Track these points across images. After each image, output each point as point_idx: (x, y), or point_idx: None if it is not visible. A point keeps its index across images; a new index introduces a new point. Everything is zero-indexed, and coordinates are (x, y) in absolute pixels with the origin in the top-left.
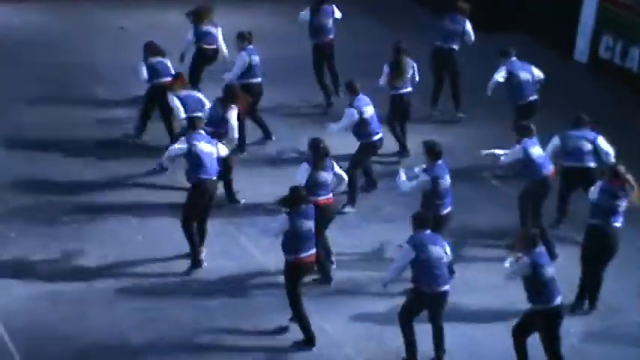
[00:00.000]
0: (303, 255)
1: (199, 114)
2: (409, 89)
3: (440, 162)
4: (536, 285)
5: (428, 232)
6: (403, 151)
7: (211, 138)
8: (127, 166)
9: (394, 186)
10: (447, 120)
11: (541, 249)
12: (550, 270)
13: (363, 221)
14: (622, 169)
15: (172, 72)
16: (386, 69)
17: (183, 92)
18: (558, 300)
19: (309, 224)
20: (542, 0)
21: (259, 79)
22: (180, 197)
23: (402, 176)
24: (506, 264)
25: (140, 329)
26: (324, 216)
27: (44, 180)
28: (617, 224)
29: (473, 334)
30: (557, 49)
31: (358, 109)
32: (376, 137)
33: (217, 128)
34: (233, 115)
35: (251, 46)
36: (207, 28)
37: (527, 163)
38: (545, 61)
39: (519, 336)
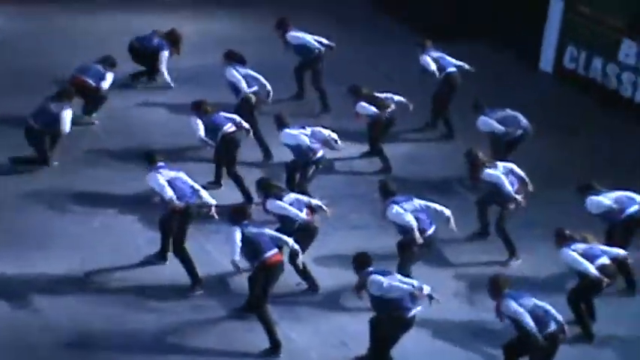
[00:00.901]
0: (267, 256)
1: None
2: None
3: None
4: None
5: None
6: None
7: None
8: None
9: (360, 194)
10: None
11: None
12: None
13: (329, 229)
14: None
15: None
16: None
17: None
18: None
19: (257, 229)
20: (507, 10)
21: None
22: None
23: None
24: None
25: (103, 327)
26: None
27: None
28: None
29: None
30: (523, 59)
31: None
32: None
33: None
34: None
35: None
36: None
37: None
38: (510, 71)
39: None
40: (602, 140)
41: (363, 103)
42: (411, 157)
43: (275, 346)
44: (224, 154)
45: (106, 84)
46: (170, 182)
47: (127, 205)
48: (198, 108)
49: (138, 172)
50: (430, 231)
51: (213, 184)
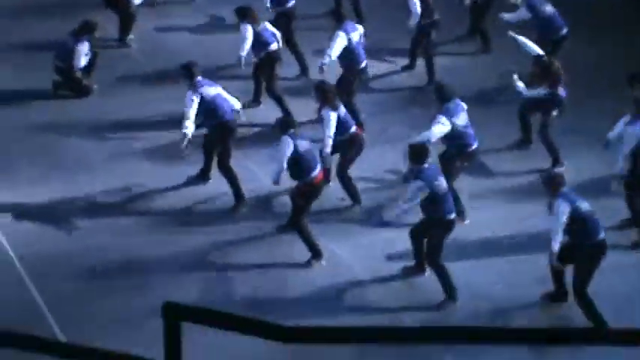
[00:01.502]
0: (313, 175)
1: None
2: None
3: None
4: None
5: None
6: None
7: None
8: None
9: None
10: None
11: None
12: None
13: (368, 143)
14: None
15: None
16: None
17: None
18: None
19: (307, 143)
20: None
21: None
22: None
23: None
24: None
25: (150, 251)
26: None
27: (50, 110)
28: None
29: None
30: None
31: None
32: None
33: None
34: None
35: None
36: None
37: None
38: None
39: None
40: None
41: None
42: (450, 69)
43: (316, 254)
44: (266, 71)
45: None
46: (211, 99)
47: (168, 125)
48: (248, 15)
49: (178, 92)
50: (474, 146)
51: (253, 102)
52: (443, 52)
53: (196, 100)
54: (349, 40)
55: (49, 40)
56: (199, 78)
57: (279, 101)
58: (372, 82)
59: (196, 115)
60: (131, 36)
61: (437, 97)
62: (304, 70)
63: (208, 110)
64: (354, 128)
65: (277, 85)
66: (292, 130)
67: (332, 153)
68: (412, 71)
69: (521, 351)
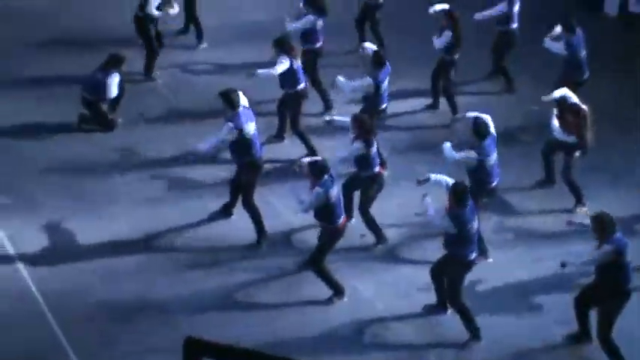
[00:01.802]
0: (340, 222)
1: None
2: None
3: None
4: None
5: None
6: None
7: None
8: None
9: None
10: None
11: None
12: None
13: (394, 180)
14: None
15: None
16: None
17: None
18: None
19: (337, 190)
20: None
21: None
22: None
23: (448, 144)
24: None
25: (171, 288)
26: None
27: (73, 143)
28: None
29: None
30: (586, 2)
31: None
32: None
33: None
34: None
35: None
36: None
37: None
38: (573, 14)
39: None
40: None
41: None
42: (474, 107)
43: (338, 291)
44: (291, 107)
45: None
46: (250, 135)
47: (193, 162)
48: (288, 48)
49: (202, 127)
50: (495, 182)
51: (275, 138)
52: (468, 91)
53: (235, 133)
54: (379, 86)
55: (73, 74)
56: (242, 108)
57: (302, 138)
58: (395, 120)
59: (230, 148)
60: (157, 72)
61: (475, 132)
62: (328, 107)
63: (244, 146)
64: (377, 167)
65: (301, 121)
66: (326, 177)
67: (353, 189)
68: (436, 110)
69: None
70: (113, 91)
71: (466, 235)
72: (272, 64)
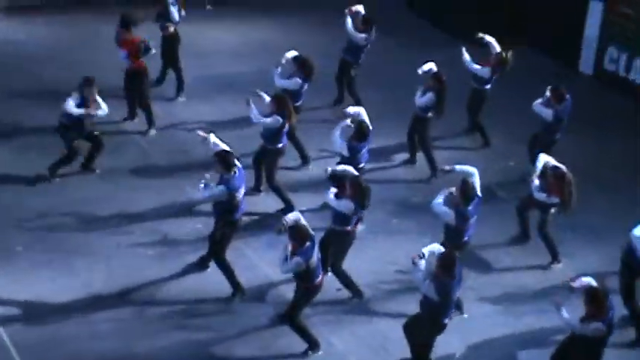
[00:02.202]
0: (317, 281)
1: None
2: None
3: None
4: None
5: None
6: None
7: None
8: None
9: (400, 199)
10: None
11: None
12: None
13: (370, 234)
14: None
15: None
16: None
17: None
18: None
19: (316, 254)
20: (546, 12)
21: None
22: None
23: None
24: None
25: (146, 342)
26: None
27: (49, 193)
28: None
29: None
30: (563, 61)
31: None
32: None
33: None
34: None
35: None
36: None
37: None
38: (550, 73)
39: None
40: None
41: None
42: (451, 162)
43: (313, 345)
44: (268, 162)
45: None
46: (240, 198)
47: (170, 214)
48: (284, 106)
49: (179, 181)
50: (466, 238)
51: (252, 190)
52: (447, 146)
53: (225, 194)
54: (357, 154)
55: (51, 124)
56: (237, 171)
57: (278, 192)
58: (373, 174)
59: (214, 204)
60: (152, 131)
61: (461, 194)
62: (305, 161)
63: (230, 207)
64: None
65: (277, 176)
66: (308, 244)
67: (330, 245)
68: (413, 165)
69: None
70: (70, 108)
71: (447, 304)
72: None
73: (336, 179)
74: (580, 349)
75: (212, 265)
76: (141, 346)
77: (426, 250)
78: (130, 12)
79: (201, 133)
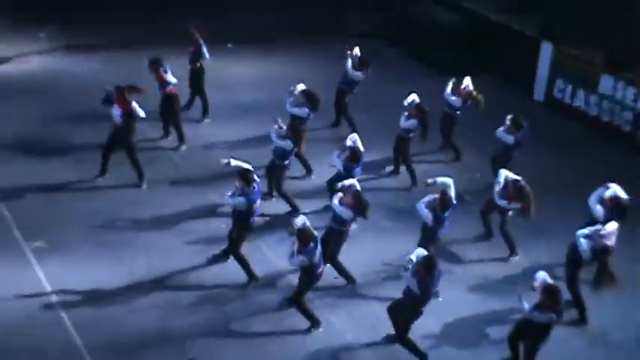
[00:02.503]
0: (318, 272)
1: None
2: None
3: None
4: None
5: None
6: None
7: None
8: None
9: (388, 204)
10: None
11: None
12: None
13: (363, 232)
14: None
15: None
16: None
17: None
18: None
19: (319, 252)
20: (508, 52)
21: None
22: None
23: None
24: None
25: (178, 319)
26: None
27: (97, 198)
28: None
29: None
30: (520, 91)
31: None
32: None
33: None
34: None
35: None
36: None
37: None
38: (510, 100)
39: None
40: (588, 158)
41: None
42: (428, 174)
43: (315, 323)
44: (276, 174)
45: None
46: (256, 208)
47: (197, 215)
48: (296, 133)
49: (204, 189)
50: (440, 235)
51: (265, 196)
52: (425, 160)
53: (245, 205)
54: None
55: (95, 141)
56: (256, 185)
57: (286, 198)
58: (364, 183)
59: (234, 210)
60: (183, 147)
61: (441, 203)
62: (309, 172)
63: (246, 215)
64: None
65: (285, 184)
66: (312, 245)
67: (329, 241)
68: (397, 175)
69: None
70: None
71: (426, 297)
72: (268, 137)
73: (343, 191)
74: (533, 329)
75: (231, 257)
76: (175, 322)
77: (413, 257)
78: (155, 57)
79: (223, 160)
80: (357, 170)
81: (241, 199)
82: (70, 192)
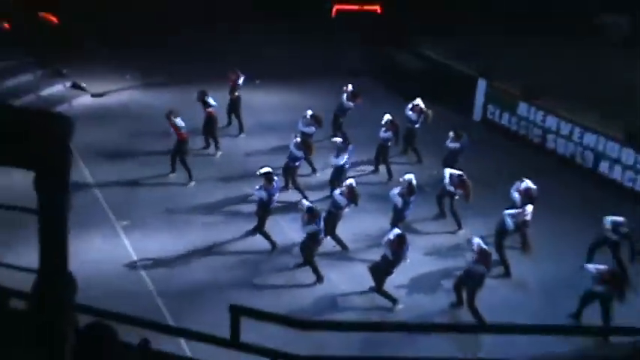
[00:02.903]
0: (320, 238)
1: None
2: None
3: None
4: None
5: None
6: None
7: None
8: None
9: (371, 193)
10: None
11: None
12: None
13: (353, 212)
14: None
15: None
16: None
17: None
18: None
19: (322, 226)
20: (454, 83)
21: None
22: None
23: (395, 190)
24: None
25: (223, 273)
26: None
27: (158, 191)
28: None
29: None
30: (463, 113)
31: None
32: None
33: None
34: None
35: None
36: None
37: None
38: (456, 119)
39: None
40: (511, 161)
41: None
42: (398, 172)
43: (319, 278)
44: (290, 173)
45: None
46: (273, 201)
47: (233, 202)
48: (308, 146)
49: (240, 183)
50: (407, 215)
51: (283, 188)
52: (397, 162)
53: (267, 196)
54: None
55: (161, 150)
56: (275, 183)
57: (298, 189)
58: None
59: (258, 199)
60: (219, 153)
61: (408, 190)
62: (314, 171)
63: (267, 203)
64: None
65: (297, 179)
66: (318, 219)
67: (329, 219)
68: (377, 173)
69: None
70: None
71: (397, 262)
72: (285, 147)
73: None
74: (471, 279)
75: (258, 232)
76: (220, 277)
77: (391, 235)
78: (202, 89)
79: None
80: (411, 200)
81: (264, 193)
82: (146, 185)
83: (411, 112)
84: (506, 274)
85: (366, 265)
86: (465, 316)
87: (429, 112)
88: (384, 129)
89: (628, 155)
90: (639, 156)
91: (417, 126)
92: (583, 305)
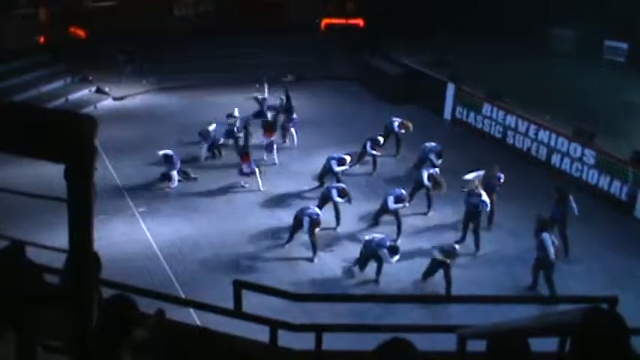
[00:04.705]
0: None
1: None
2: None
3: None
4: None
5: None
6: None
7: None
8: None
9: (361, 184)
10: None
11: None
12: None
13: (346, 203)
14: None
15: None
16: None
17: None
18: None
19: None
20: (428, 88)
21: None
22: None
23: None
24: None
25: (231, 253)
26: None
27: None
28: None
29: None
30: (435, 113)
31: None
32: None
33: None
34: None
35: None
36: None
37: None
38: (427, 119)
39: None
40: (478, 155)
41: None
42: (383, 162)
43: (315, 253)
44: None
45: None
46: None
47: (225, 193)
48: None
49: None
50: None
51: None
52: (380, 156)
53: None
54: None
55: (175, 147)
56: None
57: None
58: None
59: None
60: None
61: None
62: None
63: None
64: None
65: None
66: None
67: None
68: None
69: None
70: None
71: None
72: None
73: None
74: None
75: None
76: (225, 256)
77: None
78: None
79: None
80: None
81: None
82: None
83: (398, 129)
84: (477, 249)
85: (358, 243)
86: (432, 289)
87: (410, 125)
88: (397, 125)
89: (575, 149)
90: (585, 150)
91: (403, 132)
92: (536, 274)
